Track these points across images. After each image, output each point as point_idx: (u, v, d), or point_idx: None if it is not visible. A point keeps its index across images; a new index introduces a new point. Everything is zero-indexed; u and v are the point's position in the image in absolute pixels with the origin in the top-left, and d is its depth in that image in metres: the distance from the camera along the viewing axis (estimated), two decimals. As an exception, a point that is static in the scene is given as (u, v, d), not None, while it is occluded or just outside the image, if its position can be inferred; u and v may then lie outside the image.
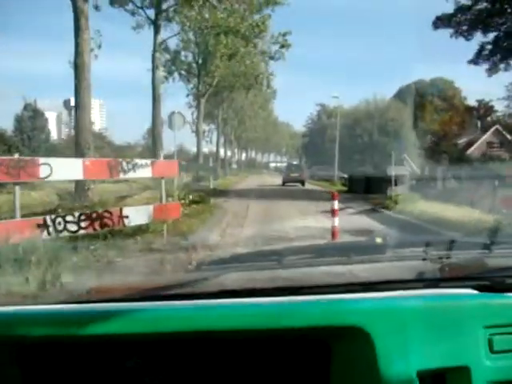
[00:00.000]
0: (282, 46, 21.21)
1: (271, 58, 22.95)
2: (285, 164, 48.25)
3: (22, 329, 0.94)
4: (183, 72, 27.01)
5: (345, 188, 24.04)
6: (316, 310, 0.94)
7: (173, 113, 12.45)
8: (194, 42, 25.23)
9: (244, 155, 76.05)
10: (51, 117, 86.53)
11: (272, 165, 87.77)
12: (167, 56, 27.17)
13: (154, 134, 16.78)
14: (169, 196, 8.84)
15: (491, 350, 0.96)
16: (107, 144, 62.12)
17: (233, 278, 1.27)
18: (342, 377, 0.94)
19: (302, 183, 28.00)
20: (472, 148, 39.30)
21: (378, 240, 1.65)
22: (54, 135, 63.73)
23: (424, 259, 1.32)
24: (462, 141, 41.17)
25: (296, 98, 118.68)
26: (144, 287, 1.24)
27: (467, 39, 18.65)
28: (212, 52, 22.59)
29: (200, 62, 25.89)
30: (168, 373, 0.98)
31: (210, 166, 12.53)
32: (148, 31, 18.39)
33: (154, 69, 16.29)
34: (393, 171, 14.20)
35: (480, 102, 49.98)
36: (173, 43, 28.15)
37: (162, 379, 0.97)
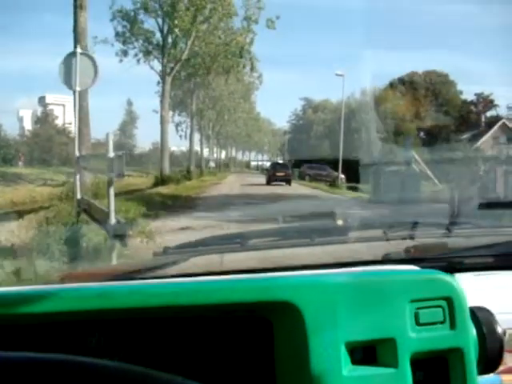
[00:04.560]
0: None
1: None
2: (267, 163, 46.93)
3: None
4: (142, 41, 21.05)
5: (356, 194, 18.33)
6: (249, 285, 0.96)
7: (72, 54, 6.57)
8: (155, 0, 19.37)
9: (224, 153, 70.40)
10: (26, 115, 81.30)
11: (253, 163, 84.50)
12: (125, 23, 21.35)
13: (79, 117, 10.38)
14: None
15: (417, 323, 1.00)
16: (72, 140, 56.21)
17: (196, 262, 1.31)
18: (282, 350, 1.00)
19: (288, 182, 27.50)
20: (478, 143, 36.42)
21: (340, 222, 1.62)
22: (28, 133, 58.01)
23: (387, 240, 1.37)
24: (464, 136, 38.79)
25: (276, 94, 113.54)
26: (106, 271, 1.26)
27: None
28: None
29: (164, 27, 20.06)
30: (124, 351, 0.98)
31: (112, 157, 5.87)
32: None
33: (77, 10, 10.13)
34: None
35: (479, 95, 47.12)
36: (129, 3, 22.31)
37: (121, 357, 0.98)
